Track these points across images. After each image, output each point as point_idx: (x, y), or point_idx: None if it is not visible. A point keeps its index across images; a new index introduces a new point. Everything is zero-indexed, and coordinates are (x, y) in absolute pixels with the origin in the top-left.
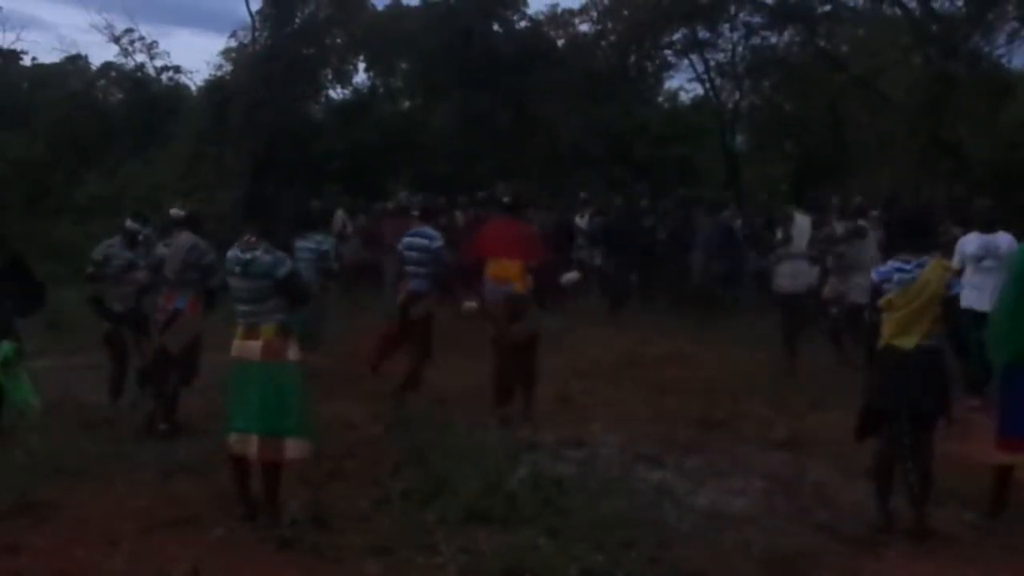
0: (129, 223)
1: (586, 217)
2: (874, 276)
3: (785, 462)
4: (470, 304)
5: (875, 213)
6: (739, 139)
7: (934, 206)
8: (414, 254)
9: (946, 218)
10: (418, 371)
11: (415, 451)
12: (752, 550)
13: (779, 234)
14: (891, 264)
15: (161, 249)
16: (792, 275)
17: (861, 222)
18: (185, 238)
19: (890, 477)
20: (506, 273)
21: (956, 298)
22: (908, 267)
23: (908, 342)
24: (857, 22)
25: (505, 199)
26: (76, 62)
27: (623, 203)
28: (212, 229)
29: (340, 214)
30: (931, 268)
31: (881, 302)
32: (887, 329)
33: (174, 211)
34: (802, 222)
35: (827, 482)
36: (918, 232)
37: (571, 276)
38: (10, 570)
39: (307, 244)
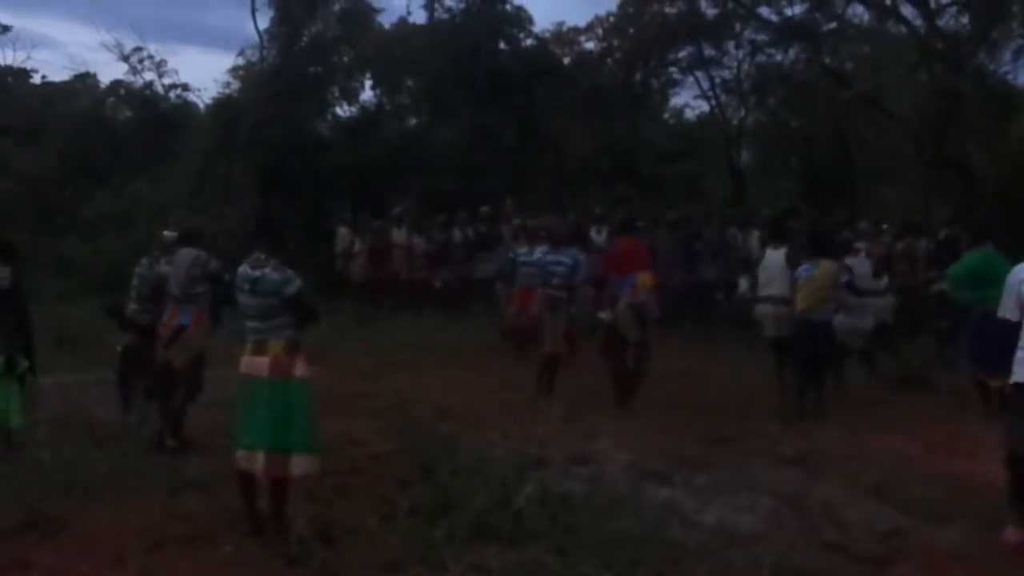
0: (168, 234)
1: (603, 233)
2: (796, 274)
3: (793, 479)
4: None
5: (861, 246)
6: (744, 156)
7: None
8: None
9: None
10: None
11: (422, 468)
12: (760, 568)
13: (742, 285)
14: (803, 267)
15: (164, 267)
16: (775, 321)
17: (848, 260)
18: (186, 253)
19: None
20: (649, 283)
21: (847, 283)
22: (811, 268)
23: (807, 312)
24: (862, 39)
25: (640, 224)
26: (85, 80)
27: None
28: (221, 245)
29: (344, 231)
30: (820, 270)
31: (796, 288)
32: (798, 305)
33: (167, 233)
34: (772, 259)
35: (835, 499)
36: (816, 246)
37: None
38: None
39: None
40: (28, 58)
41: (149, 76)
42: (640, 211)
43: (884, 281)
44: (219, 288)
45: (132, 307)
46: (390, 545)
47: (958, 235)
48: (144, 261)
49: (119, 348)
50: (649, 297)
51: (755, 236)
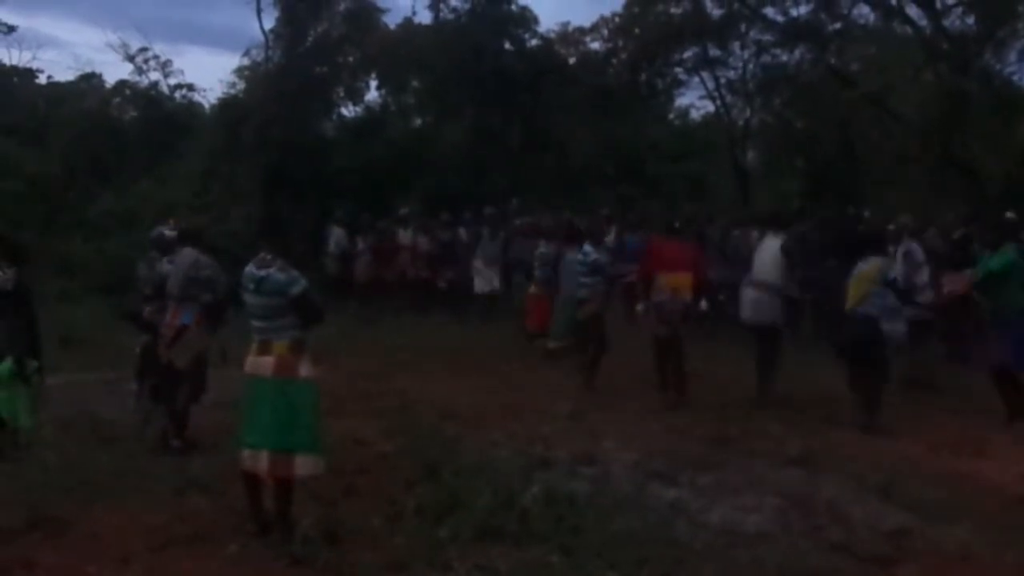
0: (168, 232)
1: (611, 233)
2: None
3: (799, 479)
4: (640, 307)
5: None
6: (750, 156)
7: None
8: (577, 267)
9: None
10: (597, 359)
11: (427, 468)
12: (765, 568)
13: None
14: (859, 264)
15: (165, 266)
16: (753, 305)
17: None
18: (187, 253)
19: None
20: (679, 284)
21: (892, 281)
22: (863, 265)
23: (853, 306)
24: (868, 40)
25: (676, 224)
26: (91, 80)
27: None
28: (225, 246)
29: (339, 232)
30: (869, 266)
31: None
32: (848, 301)
33: (168, 232)
34: (769, 246)
35: (841, 499)
36: (866, 246)
37: (704, 304)
38: None
39: None
40: (34, 58)
41: (154, 76)
42: (643, 211)
43: (926, 275)
44: (206, 295)
45: (147, 308)
46: (395, 545)
47: (972, 236)
48: (141, 264)
49: (137, 349)
50: (670, 297)
51: (754, 235)
